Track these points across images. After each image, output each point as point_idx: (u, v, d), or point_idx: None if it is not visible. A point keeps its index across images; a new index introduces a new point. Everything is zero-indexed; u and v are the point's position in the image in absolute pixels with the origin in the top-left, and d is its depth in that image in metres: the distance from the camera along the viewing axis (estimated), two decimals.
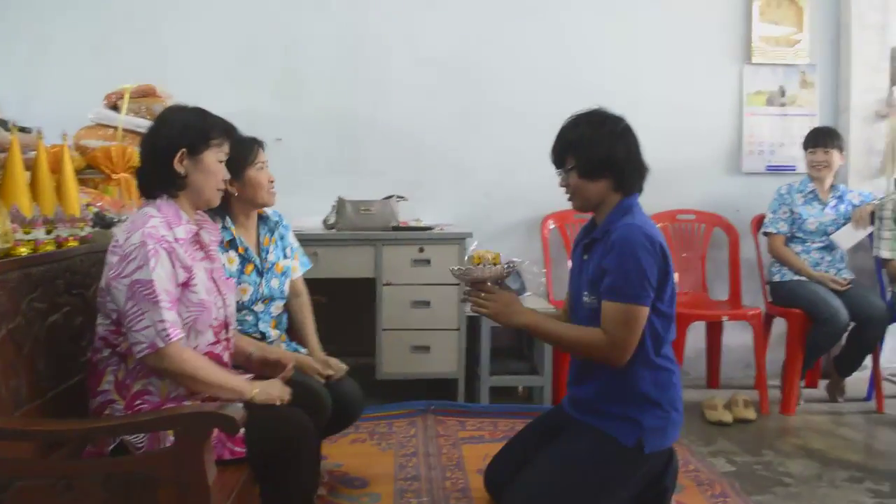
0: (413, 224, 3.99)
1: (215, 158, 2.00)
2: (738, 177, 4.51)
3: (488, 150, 4.36)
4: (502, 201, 4.37)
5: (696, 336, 4.20)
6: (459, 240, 3.77)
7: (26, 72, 4.06)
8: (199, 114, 2.02)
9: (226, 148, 2.04)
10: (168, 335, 1.78)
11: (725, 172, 4.52)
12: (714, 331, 4.33)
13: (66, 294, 2.03)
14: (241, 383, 1.96)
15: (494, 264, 2.09)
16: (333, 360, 2.58)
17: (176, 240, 1.89)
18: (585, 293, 2.10)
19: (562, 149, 2.13)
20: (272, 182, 2.58)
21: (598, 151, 2.06)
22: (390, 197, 3.94)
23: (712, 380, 4.33)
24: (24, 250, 1.98)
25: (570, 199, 2.16)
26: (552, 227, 4.33)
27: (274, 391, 2.01)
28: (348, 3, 4.27)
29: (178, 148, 1.93)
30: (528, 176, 4.20)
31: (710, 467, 3.06)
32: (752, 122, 4.50)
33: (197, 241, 2.01)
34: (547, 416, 2.34)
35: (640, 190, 2.14)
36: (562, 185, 2.16)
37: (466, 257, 2.16)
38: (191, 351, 1.86)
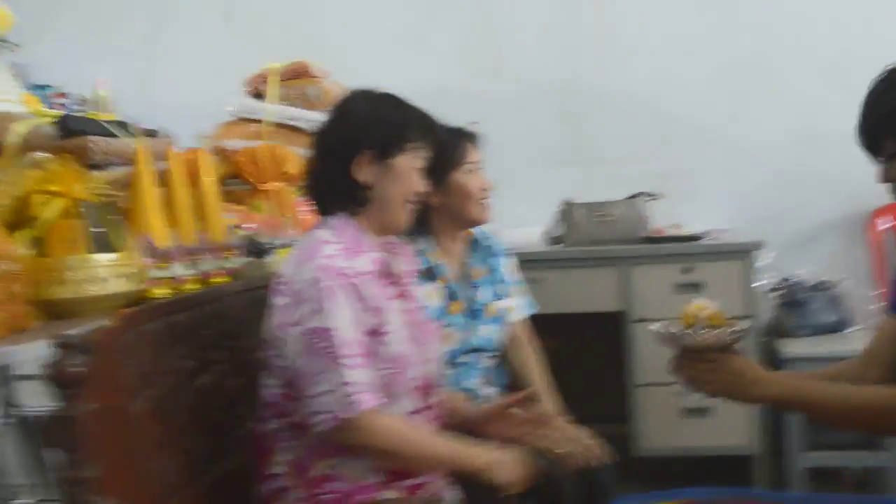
0: (672, 233, 3.95)
1: (411, 166, 2.01)
2: None
3: (777, 120, 4.22)
4: (803, 193, 4.20)
5: None
6: (744, 253, 3.67)
7: (144, 56, 4.37)
8: (393, 103, 2.04)
9: (425, 153, 2.05)
10: (356, 401, 1.80)
11: None
12: None
13: (216, 348, 2.10)
14: (468, 450, 1.91)
15: (713, 326, 1.94)
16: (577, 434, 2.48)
17: (360, 273, 1.92)
18: None
19: (873, 126, 1.93)
20: (486, 190, 2.59)
21: None
22: (637, 195, 3.93)
23: None
24: (161, 291, 2.11)
25: (894, 195, 1.98)
26: (885, 226, 4.10)
27: (513, 465, 1.90)
28: None
29: (362, 149, 1.96)
30: (842, 154, 3.94)
31: None
32: None
33: (387, 273, 2.03)
34: None
35: None
36: (881, 182, 1.96)
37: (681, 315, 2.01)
38: (389, 417, 1.88)
